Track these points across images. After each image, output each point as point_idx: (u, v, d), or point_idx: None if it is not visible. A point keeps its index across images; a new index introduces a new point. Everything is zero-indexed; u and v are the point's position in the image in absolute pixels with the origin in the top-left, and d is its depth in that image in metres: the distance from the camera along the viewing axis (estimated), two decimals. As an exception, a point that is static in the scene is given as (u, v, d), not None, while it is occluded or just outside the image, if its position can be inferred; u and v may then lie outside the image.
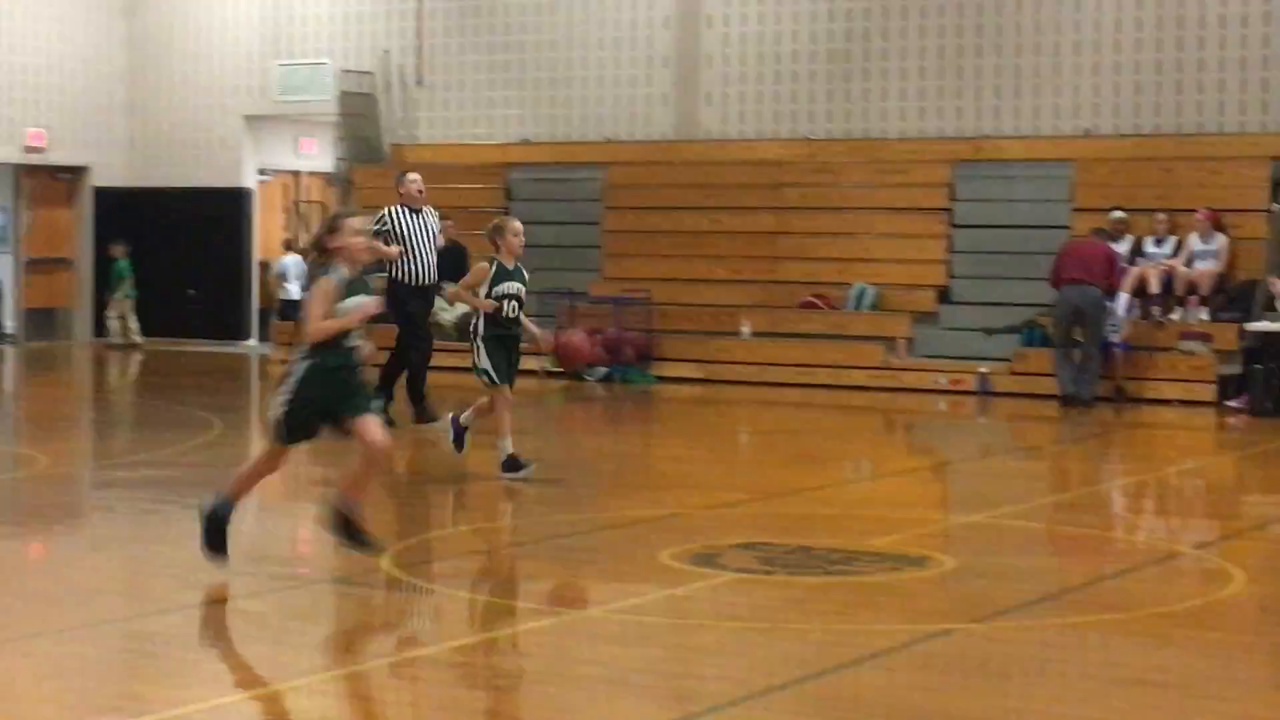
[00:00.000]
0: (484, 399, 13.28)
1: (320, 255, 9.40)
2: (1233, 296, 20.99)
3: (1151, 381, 20.49)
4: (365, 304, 9.34)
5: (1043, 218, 22.56)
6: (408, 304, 16.35)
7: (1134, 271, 21.14)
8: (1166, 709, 7.36)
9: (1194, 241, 21.17)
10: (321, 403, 9.28)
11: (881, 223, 23.43)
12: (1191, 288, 20.99)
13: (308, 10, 28.02)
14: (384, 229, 16.20)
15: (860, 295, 22.83)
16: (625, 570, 10.17)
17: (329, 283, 9.27)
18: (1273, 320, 19.73)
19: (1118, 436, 18.30)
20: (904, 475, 15.12)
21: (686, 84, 25.53)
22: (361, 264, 9.58)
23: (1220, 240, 21.17)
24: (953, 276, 23.07)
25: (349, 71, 27.21)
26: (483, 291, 13.11)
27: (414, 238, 16.42)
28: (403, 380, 16.64)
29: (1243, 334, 20.17)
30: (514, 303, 13.18)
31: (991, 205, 23.17)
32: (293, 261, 27.03)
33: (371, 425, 9.33)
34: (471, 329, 13.28)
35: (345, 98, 27.00)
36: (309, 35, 27.96)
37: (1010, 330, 21.79)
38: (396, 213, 16.51)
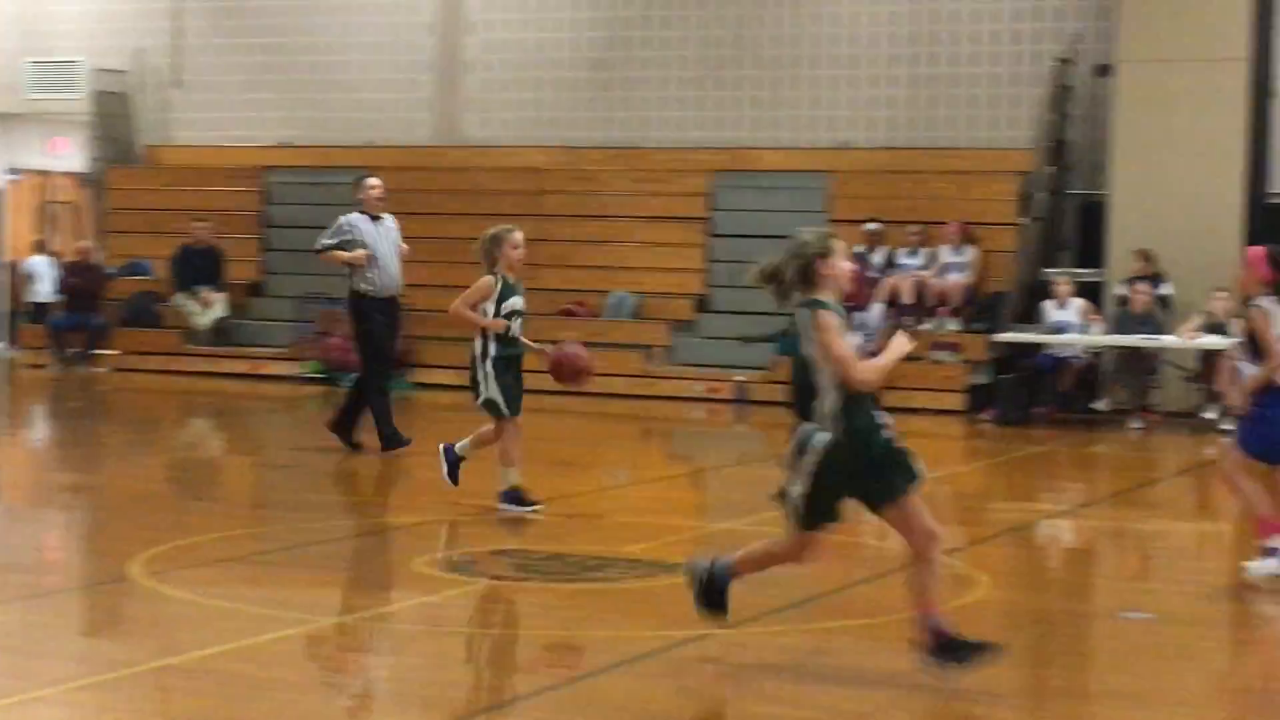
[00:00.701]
0: (487, 428, 12.38)
1: (805, 285, 7.87)
2: (983, 307, 21.45)
3: (903, 390, 20.83)
4: (901, 344, 7.98)
5: (799, 228, 22.82)
6: (372, 319, 15.31)
7: (887, 282, 21.51)
8: (910, 710, 7.48)
9: (945, 253, 21.61)
10: (851, 484, 7.77)
11: (641, 231, 23.58)
12: (943, 299, 21.41)
13: (60, 7, 27.42)
14: (346, 239, 15.23)
15: (620, 303, 22.95)
16: (378, 578, 10.10)
17: (833, 317, 7.74)
18: (1020, 330, 20.21)
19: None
20: (661, 482, 15.21)
21: (448, 89, 25.46)
22: (844, 291, 8.03)
23: (971, 252, 21.64)
24: (711, 285, 23.29)
25: (103, 70, 26.67)
26: (490, 310, 12.16)
27: (378, 247, 15.28)
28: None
29: (991, 344, 20.63)
30: (518, 320, 12.34)
31: (749, 215, 23.41)
32: (42, 262, 26.41)
33: (919, 509, 7.78)
34: (479, 353, 12.22)
35: (99, 97, 26.49)
36: (61, 32, 27.33)
37: (766, 339, 22.03)
38: (356, 221, 15.32)
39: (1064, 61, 22.47)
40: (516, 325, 12.26)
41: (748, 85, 24.07)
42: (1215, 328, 19.68)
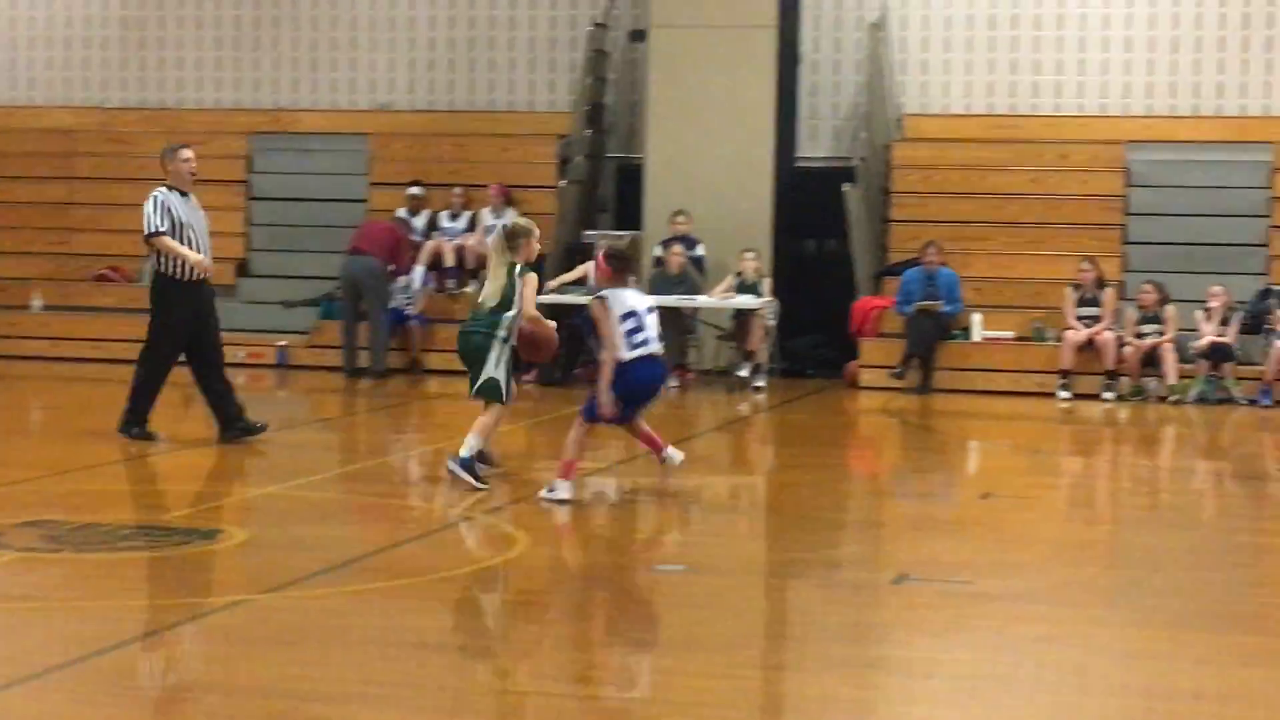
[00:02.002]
0: (486, 416, 12.17)
1: None
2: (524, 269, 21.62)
3: (447, 353, 20.89)
4: None
5: (340, 191, 22.76)
6: (175, 304, 14.00)
7: (429, 245, 21.53)
8: (448, 669, 7.53)
9: (487, 216, 21.72)
10: None
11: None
12: (484, 262, 21.49)
13: None
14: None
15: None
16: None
17: None
18: (561, 292, 20.46)
19: (414, 407, 18.61)
20: (201, 448, 14.91)
21: (-29, 47, 24.48)
22: None
23: (511, 215, 21.77)
24: (251, 249, 22.96)
25: None
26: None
27: (191, 226, 13.96)
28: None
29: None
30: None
31: (290, 178, 23.18)
32: None
33: None
34: (501, 339, 12.17)
35: None
36: None
37: (308, 303, 21.86)
38: (165, 196, 13.90)
39: (599, 26, 22.81)
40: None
41: (286, 46, 23.79)
42: (747, 288, 20.27)
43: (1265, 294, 20.08)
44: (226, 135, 23.31)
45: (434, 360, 20.72)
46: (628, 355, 11.56)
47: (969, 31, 22.68)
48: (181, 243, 13.86)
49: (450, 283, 21.40)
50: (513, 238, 12.42)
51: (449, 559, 9.93)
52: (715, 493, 13.04)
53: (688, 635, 8.12)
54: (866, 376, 20.36)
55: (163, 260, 13.97)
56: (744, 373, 20.06)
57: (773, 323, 20.27)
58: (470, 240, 21.59)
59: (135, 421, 14.15)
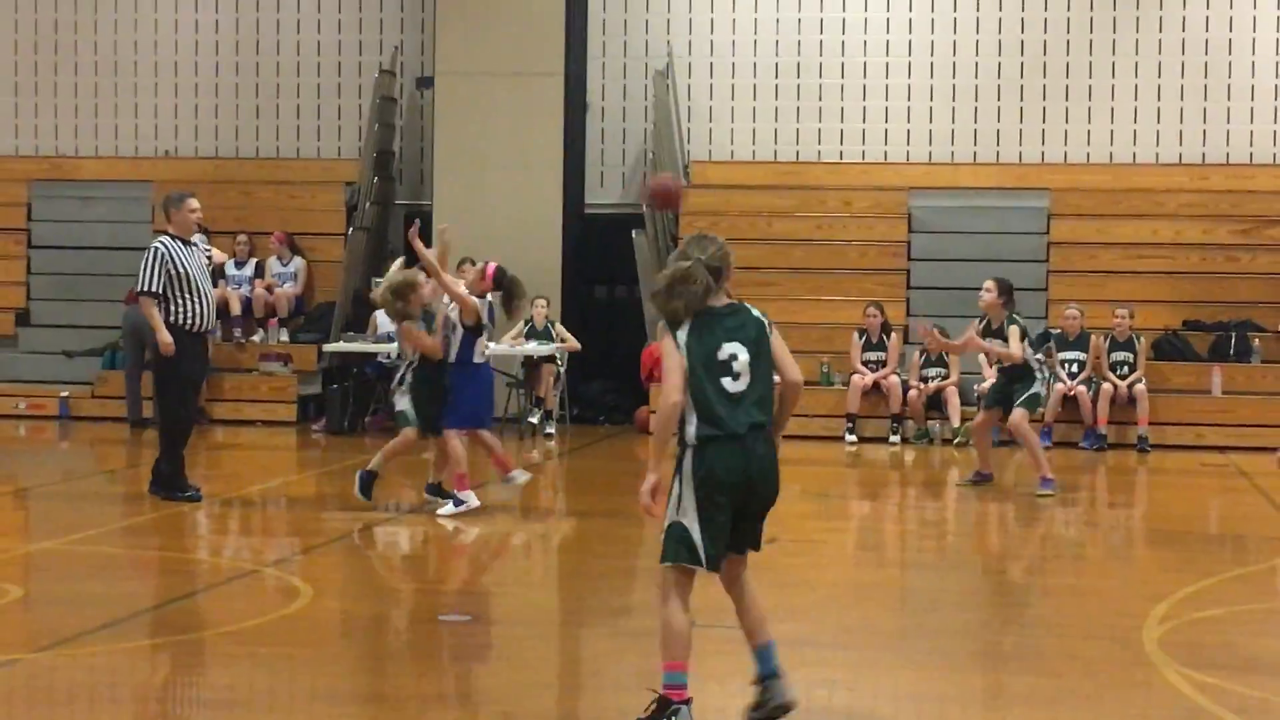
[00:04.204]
0: (435, 453, 13.55)
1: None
2: (312, 317, 21.49)
3: (234, 403, 20.68)
4: None
5: (122, 239, 22.42)
6: (183, 357, 13.48)
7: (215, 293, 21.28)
8: (231, 726, 7.43)
9: (273, 264, 21.54)
10: None
11: (-44, 243, 22.63)
12: (272, 309, 21.34)
13: None
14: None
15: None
16: None
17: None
18: (349, 340, 20.32)
19: (200, 458, 18.33)
20: (-23, 504, 14.59)
21: None
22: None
23: (298, 262, 21.65)
24: (32, 299, 22.54)
25: None
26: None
27: (193, 276, 13.56)
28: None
29: (321, 355, 20.68)
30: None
31: (70, 226, 22.80)
32: None
33: None
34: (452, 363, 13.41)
35: None
36: None
37: (91, 353, 21.49)
38: (167, 247, 13.61)
39: (386, 73, 22.76)
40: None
41: (67, 93, 23.42)
42: (537, 334, 20.29)
43: (1044, 337, 20.50)
44: (5, 183, 22.89)
45: (220, 410, 20.48)
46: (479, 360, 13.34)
47: (754, 79, 22.96)
48: (185, 293, 13.50)
49: (237, 331, 21.16)
50: (400, 294, 13.25)
51: (231, 613, 9.79)
52: (504, 541, 13.01)
53: (469, 687, 8.07)
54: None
55: (172, 309, 13.52)
56: (534, 419, 20.06)
57: (563, 369, 20.31)
58: (259, 287, 21.38)
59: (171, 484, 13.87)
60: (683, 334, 7.06)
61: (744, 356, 7.08)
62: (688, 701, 7.05)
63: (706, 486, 7.02)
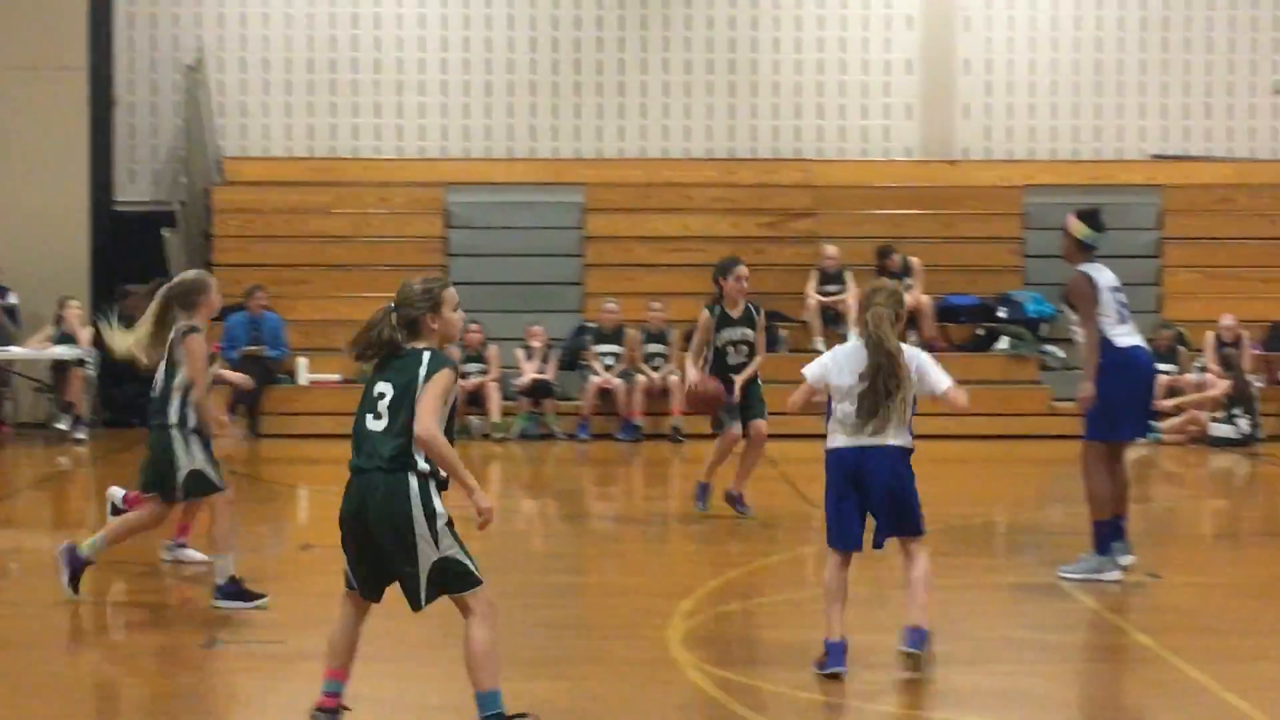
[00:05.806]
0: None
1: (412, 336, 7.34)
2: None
3: None
4: None
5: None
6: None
7: None
8: None
9: None
10: None
11: None
12: None
13: None
14: None
15: None
16: None
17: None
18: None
19: None
20: None
21: None
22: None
23: None
24: None
25: None
26: None
27: None
28: None
29: None
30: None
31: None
32: None
33: None
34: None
35: None
36: None
37: None
38: None
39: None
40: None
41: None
42: (66, 338, 19.67)
43: (580, 331, 20.78)
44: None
45: None
46: None
47: (288, 75, 22.68)
48: None
49: None
50: (188, 295, 10.41)
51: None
52: (32, 556, 12.51)
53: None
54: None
55: None
56: (64, 425, 19.43)
57: (94, 373, 19.71)
58: None
59: None
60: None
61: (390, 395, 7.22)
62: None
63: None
